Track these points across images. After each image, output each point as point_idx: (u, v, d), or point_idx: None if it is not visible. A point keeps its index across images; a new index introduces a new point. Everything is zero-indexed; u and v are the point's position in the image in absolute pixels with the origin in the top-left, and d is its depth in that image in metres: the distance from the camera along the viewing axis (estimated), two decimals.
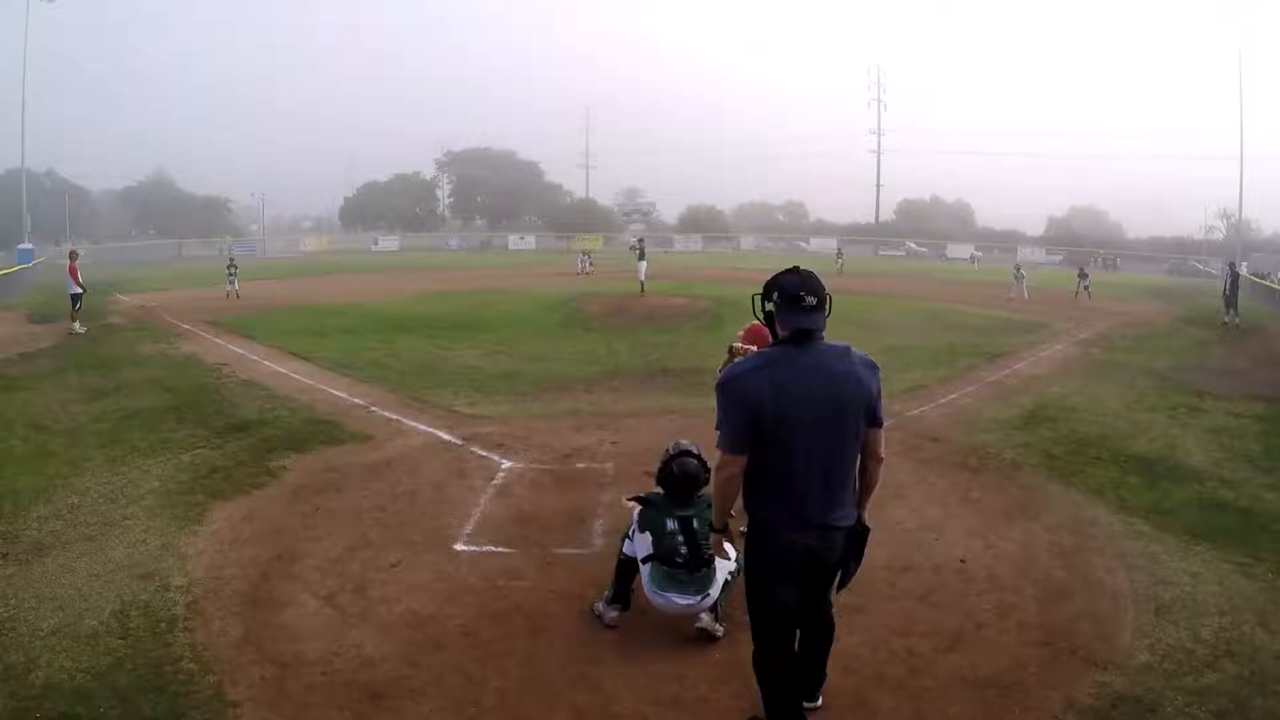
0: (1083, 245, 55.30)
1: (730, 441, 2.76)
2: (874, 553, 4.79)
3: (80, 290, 15.64)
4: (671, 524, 3.89)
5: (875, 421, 2.83)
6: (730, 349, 5.01)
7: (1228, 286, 19.59)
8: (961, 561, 4.75)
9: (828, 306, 2.77)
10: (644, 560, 3.94)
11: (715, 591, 3.90)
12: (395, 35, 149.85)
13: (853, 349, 2.81)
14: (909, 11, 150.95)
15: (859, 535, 2.92)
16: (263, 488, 6.05)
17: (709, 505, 3.76)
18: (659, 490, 4.07)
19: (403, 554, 4.85)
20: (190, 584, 4.46)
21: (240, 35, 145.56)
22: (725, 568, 3.97)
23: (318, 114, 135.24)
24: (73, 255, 17.07)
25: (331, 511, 5.56)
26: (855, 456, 2.84)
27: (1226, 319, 18.99)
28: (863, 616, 4.10)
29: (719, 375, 2.99)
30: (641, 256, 20.52)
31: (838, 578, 2.98)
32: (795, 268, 2.85)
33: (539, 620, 4.09)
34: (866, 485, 2.95)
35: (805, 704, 3.19)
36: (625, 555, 4.09)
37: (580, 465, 6.62)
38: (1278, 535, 5.19)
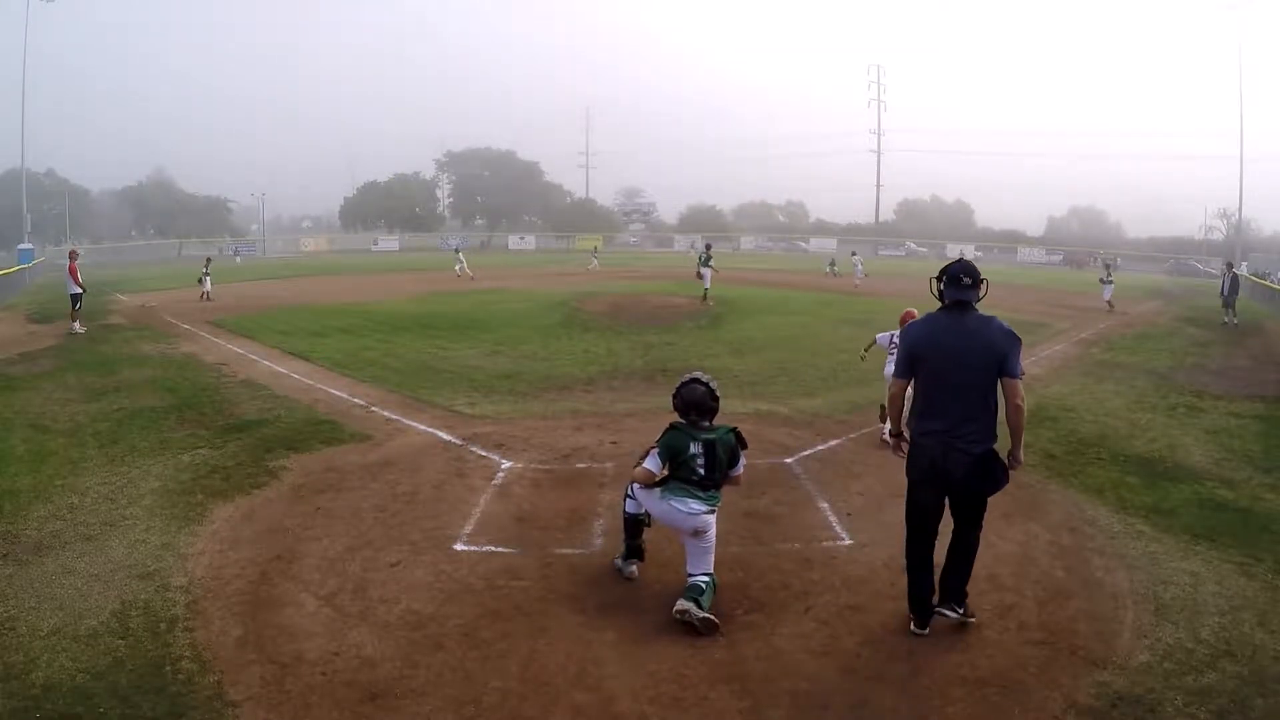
0: (1079, 246, 55.26)
1: (897, 370, 3.99)
2: (874, 553, 4.84)
3: (80, 290, 15.61)
4: (695, 446, 4.18)
5: (1008, 372, 3.68)
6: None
7: (1226, 287, 19.61)
8: None
9: (983, 287, 3.84)
10: (664, 484, 4.22)
11: (714, 516, 4.21)
12: (395, 35, 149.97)
13: (996, 319, 3.78)
14: (909, 11, 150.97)
15: (986, 461, 3.72)
16: (262, 488, 6.05)
17: (729, 430, 4.29)
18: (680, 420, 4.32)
19: (403, 554, 4.85)
20: (190, 584, 4.46)
21: (240, 35, 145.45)
22: (705, 578, 4.16)
23: (318, 114, 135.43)
24: (72, 255, 16.96)
25: (331, 511, 5.56)
26: (985, 397, 3.70)
27: (1226, 319, 19.00)
28: (862, 616, 4.11)
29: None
30: (707, 263, 20.28)
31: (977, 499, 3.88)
32: (961, 258, 4.06)
33: (539, 620, 4.09)
34: (1014, 430, 3.77)
35: (954, 610, 3.95)
36: (629, 513, 4.48)
37: (580, 465, 6.61)
38: (1278, 535, 5.19)
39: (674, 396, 4.35)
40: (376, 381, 10.14)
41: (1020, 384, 3.71)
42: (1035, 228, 72.42)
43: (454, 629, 4.00)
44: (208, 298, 21.31)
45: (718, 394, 4.32)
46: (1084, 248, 53.86)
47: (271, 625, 4.03)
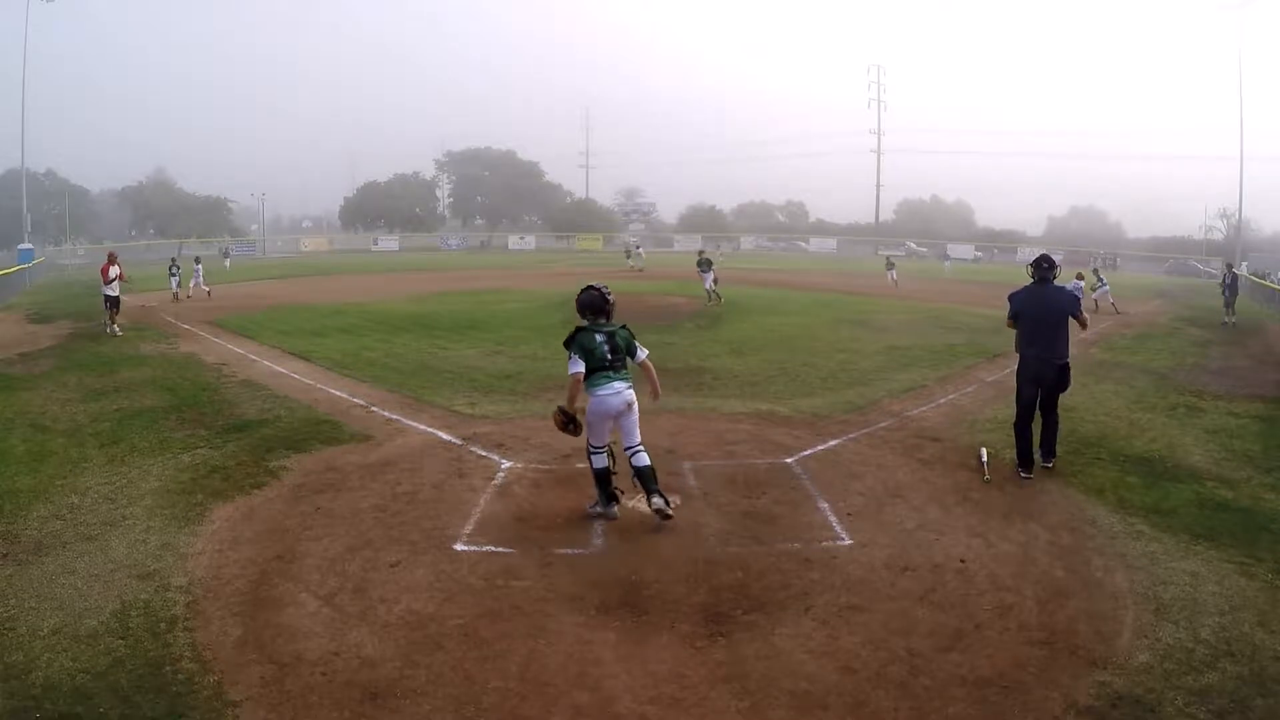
0: (1079, 246, 55.22)
1: (1010, 317, 6.50)
2: (874, 553, 4.85)
3: (110, 294, 14.99)
4: (600, 338, 5.19)
5: (1074, 315, 6.32)
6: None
7: (1227, 288, 19.58)
8: (961, 561, 4.75)
9: (1056, 270, 6.46)
10: (586, 375, 5.13)
11: (634, 391, 5.25)
12: (395, 35, 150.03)
13: (1065, 289, 6.61)
14: (909, 11, 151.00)
15: (1064, 369, 6.30)
16: (262, 488, 6.05)
17: (622, 327, 5.32)
18: (579, 326, 5.28)
19: (403, 554, 4.85)
20: (190, 584, 4.46)
21: (240, 35, 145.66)
22: (644, 451, 5.25)
23: (318, 114, 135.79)
24: (110, 257, 15.78)
25: (331, 511, 5.56)
26: (1062, 333, 6.28)
27: (1226, 319, 18.99)
28: (863, 616, 4.11)
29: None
30: (707, 268, 20.42)
31: (1057, 390, 6.40)
32: (1044, 253, 6.64)
33: (539, 620, 4.09)
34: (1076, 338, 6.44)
35: (1049, 463, 6.47)
36: (597, 466, 5.29)
37: (580, 465, 6.56)
38: (1278, 535, 5.19)
39: (576, 302, 5.34)
40: (376, 381, 10.13)
41: (1081, 317, 6.38)
42: (1035, 228, 72.63)
43: (454, 629, 4.00)
44: (177, 298, 21.06)
45: (609, 297, 5.32)
46: (1085, 248, 53.87)
47: (271, 625, 4.03)
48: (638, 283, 26.01)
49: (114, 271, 15.12)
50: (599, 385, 5.16)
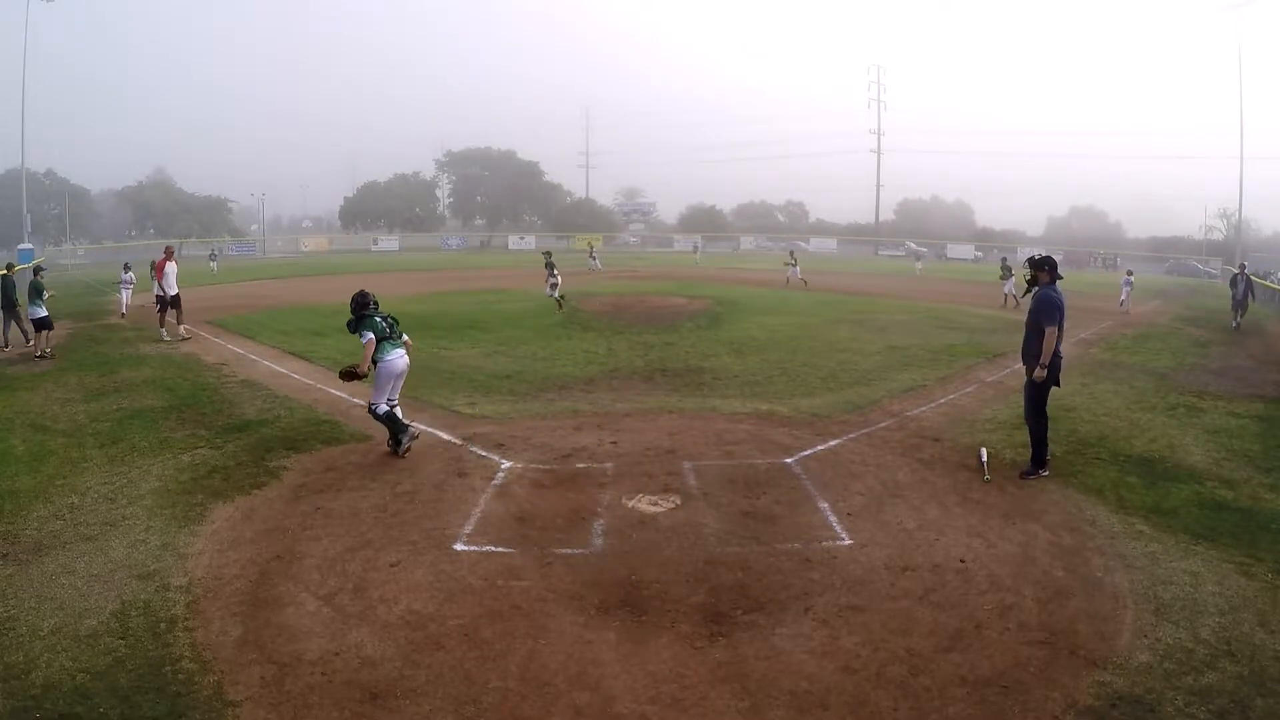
0: (1080, 246, 55.17)
1: (1058, 323, 6.22)
2: (874, 553, 4.86)
3: (162, 293, 14.16)
4: (379, 319, 6.89)
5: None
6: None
7: (1239, 291, 19.31)
8: (961, 561, 4.75)
9: (1058, 270, 6.51)
10: (378, 346, 6.78)
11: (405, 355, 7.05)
12: (395, 35, 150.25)
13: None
14: (909, 11, 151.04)
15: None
16: (262, 488, 6.05)
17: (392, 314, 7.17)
18: (362, 313, 6.88)
19: (403, 554, 4.85)
20: (190, 584, 4.47)
21: (240, 35, 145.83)
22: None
23: (318, 114, 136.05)
24: (167, 252, 14.73)
25: (331, 511, 5.56)
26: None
27: (1235, 321, 18.82)
28: (863, 616, 4.11)
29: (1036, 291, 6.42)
30: (551, 269, 18.87)
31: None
32: (1049, 255, 6.65)
33: (539, 620, 4.09)
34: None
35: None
36: (381, 414, 6.83)
37: (580, 465, 6.61)
38: (1278, 535, 5.19)
39: (359, 301, 6.89)
40: None
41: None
42: (1035, 228, 72.62)
43: (454, 629, 4.00)
44: (122, 313, 17.66)
45: (373, 298, 7.03)
46: (1085, 247, 53.89)
47: (271, 625, 4.03)
48: (638, 283, 26.02)
49: (172, 268, 14.34)
50: (388, 351, 6.86)
